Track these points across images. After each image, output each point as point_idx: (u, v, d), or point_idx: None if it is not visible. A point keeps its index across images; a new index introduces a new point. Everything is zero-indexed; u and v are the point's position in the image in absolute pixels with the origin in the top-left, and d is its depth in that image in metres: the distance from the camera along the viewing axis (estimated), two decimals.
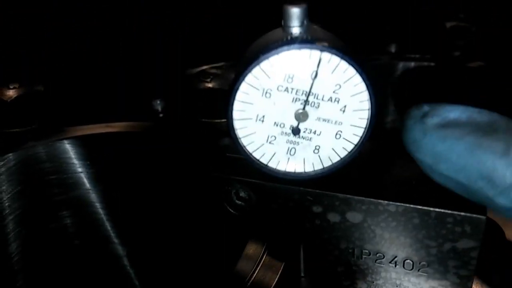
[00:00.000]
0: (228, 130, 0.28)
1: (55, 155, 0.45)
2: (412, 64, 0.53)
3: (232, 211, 0.33)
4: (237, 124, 0.28)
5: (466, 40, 0.62)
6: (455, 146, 0.26)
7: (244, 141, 0.28)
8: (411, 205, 0.27)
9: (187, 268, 0.46)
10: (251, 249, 0.38)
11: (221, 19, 0.66)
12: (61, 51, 0.63)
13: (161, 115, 0.50)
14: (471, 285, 0.29)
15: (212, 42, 0.63)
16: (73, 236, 0.48)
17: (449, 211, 0.27)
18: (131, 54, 0.64)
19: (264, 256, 0.35)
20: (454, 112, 0.27)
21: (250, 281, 0.31)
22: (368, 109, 0.27)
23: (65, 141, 0.45)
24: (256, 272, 0.35)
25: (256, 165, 0.29)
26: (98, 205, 0.48)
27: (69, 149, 0.45)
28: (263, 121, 0.28)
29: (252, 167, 0.30)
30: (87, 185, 0.47)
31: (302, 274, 0.37)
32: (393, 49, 0.51)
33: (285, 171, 0.29)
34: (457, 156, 0.25)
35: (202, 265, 0.45)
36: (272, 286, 0.31)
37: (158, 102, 0.50)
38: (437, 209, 0.27)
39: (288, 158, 0.29)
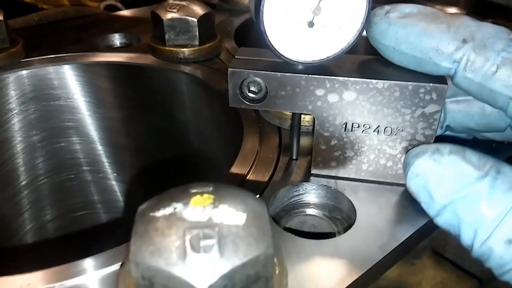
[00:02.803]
0: (258, 25, 0.35)
1: None
2: None
3: (245, 102, 0.40)
4: (266, 23, 0.35)
5: None
6: (412, 29, 0.35)
7: (270, 36, 0.36)
8: (394, 81, 0.37)
9: None
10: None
11: None
12: None
13: None
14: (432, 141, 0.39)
15: None
16: None
17: (422, 83, 0.36)
18: None
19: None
20: (408, 8, 0.37)
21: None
22: (366, 8, 0.36)
23: None
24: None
25: (277, 54, 0.37)
26: None
27: None
28: (285, 18, 0.35)
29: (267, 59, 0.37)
30: None
31: (294, 157, 0.46)
32: None
33: (297, 60, 0.37)
34: (414, 36, 0.35)
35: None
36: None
37: None
38: (413, 83, 0.36)
39: (301, 49, 0.37)
